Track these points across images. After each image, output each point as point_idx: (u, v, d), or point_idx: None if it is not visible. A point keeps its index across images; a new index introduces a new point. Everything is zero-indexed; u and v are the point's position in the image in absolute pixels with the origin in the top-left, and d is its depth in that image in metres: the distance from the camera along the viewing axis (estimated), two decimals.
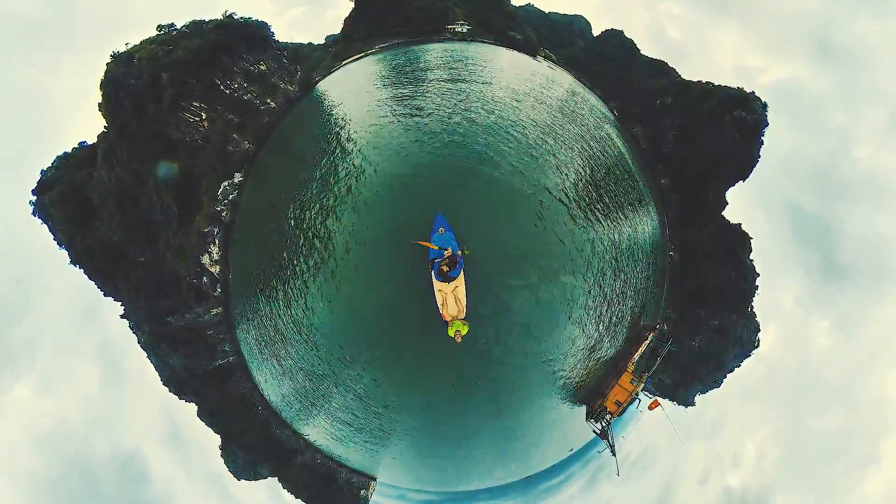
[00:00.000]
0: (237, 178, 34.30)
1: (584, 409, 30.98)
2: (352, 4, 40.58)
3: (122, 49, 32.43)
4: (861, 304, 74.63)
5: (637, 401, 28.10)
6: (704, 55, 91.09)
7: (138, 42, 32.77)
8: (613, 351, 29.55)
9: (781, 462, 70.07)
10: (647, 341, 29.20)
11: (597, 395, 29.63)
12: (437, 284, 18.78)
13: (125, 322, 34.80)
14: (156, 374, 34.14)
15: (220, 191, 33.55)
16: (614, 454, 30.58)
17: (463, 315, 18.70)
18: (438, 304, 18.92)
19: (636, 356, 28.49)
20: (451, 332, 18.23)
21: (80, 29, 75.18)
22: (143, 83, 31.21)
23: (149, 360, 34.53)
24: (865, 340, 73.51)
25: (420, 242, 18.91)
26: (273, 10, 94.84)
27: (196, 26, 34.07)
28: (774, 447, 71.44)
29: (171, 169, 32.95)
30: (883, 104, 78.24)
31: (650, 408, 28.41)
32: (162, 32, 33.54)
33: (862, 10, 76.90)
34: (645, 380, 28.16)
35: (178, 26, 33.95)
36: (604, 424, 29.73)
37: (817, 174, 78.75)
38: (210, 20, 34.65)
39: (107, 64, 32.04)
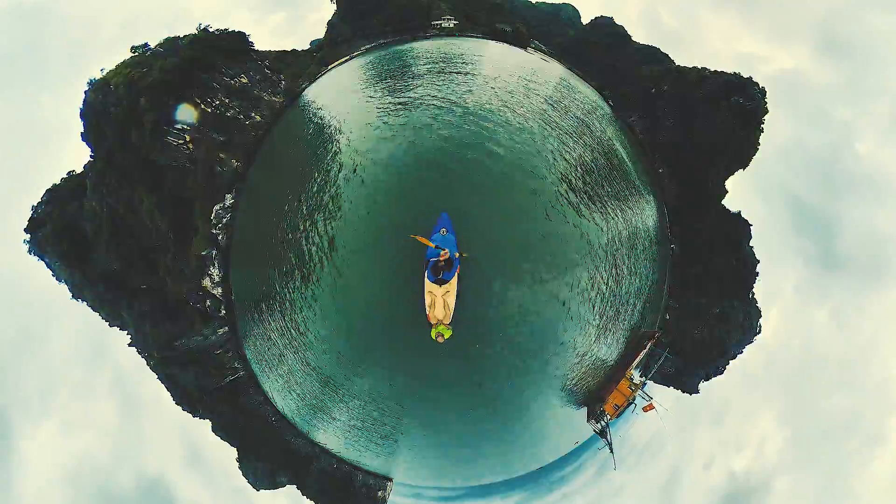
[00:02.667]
0: (228, 199, 33.95)
1: (585, 410, 32.03)
2: (333, 6, 38.71)
3: (98, 75, 31.40)
4: (858, 295, 74.20)
5: (633, 405, 29.12)
6: (702, 44, 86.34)
7: (114, 67, 31.67)
8: (614, 357, 30.08)
9: (786, 445, 71.10)
10: (646, 349, 29.79)
11: (597, 399, 30.64)
12: (428, 285, 18.79)
13: (134, 349, 35.42)
14: (169, 396, 35.05)
15: (212, 215, 33.35)
16: (612, 451, 31.91)
17: (448, 320, 18.69)
18: (426, 305, 19.00)
19: (634, 364, 29.23)
20: (433, 335, 18.29)
21: (52, 59, 72.68)
22: (123, 110, 30.44)
23: (161, 383, 35.36)
24: (864, 329, 73.46)
25: (418, 238, 18.59)
26: (252, 18, 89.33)
27: (170, 44, 32.74)
28: (778, 431, 72.31)
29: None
30: (888, 100, 75.67)
31: (645, 410, 29.45)
32: (136, 54, 32.28)
33: (869, 2, 72.67)
34: (641, 386, 29.04)
35: (152, 46, 32.65)
36: (602, 425, 30.95)
37: (818, 166, 76.82)
38: (184, 36, 33.30)
39: (84, 92, 31.16)
